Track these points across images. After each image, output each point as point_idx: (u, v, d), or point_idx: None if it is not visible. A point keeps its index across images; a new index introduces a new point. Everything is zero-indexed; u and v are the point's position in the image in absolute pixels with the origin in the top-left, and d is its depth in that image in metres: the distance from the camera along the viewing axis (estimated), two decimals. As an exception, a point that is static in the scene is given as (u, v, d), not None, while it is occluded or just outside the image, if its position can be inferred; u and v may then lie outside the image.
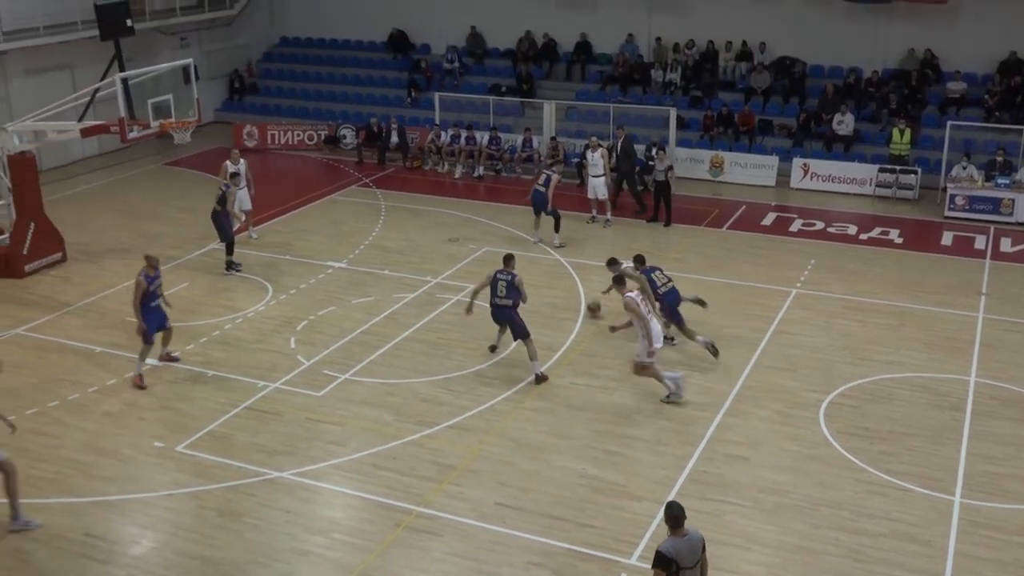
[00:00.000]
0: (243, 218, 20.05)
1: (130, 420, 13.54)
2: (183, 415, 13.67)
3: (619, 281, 14.02)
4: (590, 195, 21.75)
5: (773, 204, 23.46)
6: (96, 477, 12.18)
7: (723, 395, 14.13)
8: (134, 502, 11.55)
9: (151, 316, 14.41)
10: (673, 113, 25.00)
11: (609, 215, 21.77)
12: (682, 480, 12.03)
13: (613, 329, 14.33)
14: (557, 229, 20.39)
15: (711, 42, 27.94)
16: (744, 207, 23.20)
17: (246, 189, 20.06)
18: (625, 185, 22.72)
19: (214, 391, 14.34)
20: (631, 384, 14.40)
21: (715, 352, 15.07)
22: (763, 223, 22.09)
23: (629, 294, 13.68)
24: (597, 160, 21.45)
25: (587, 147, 22.06)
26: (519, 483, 12.00)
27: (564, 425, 13.33)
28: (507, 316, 14.65)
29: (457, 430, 13.22)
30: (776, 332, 16.24)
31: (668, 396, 13.80)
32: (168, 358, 15.18)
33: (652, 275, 15.29)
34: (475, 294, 14.96)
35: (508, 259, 14.95)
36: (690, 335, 15.25)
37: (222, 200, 18.47)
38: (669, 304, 15.22)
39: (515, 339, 14.84)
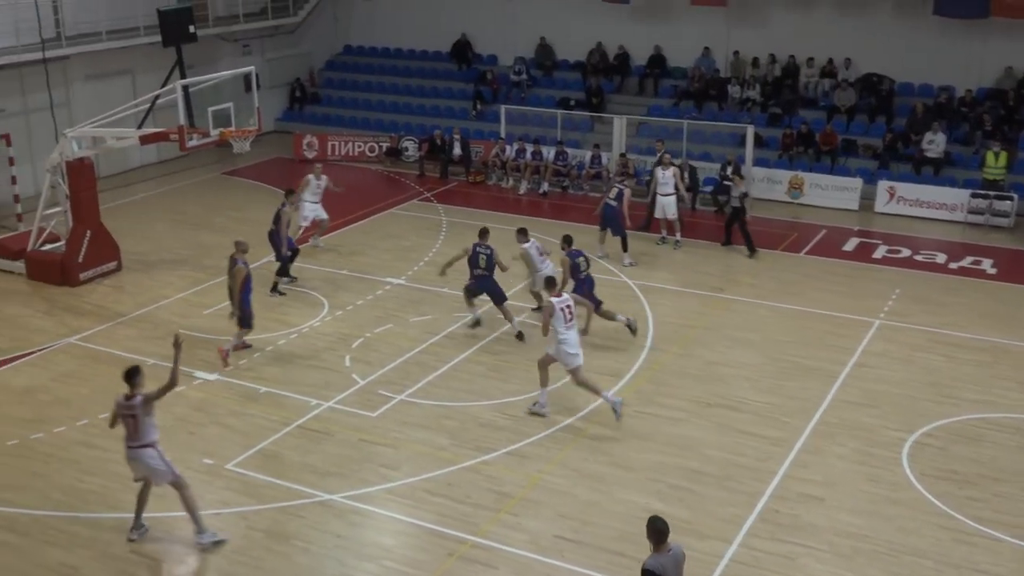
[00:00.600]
0: (299, 232, 20.52)
1: (180, 435, 13.74)
2: (233, 432, 13.84)
3: (550, 283, 14.63)
4: (658, 214, 21.63)
5: (856, 229, 23.11)
6: (144, 493, 12.38)
7: (798, 430, 13.91)
8: (181, 519, 11.69)
9: (248, 300, 15.89)
10: (750, 131, 24.80)
11: (679, 236, 21.61)
12: (752, 519, 11.85)
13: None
14: (625, 248, 20.36)
15: (792, 57, 27.70)
16: (824, 231, 22.89)
17: (320, 204, 20.94)
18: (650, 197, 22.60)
19: (266, 408, 14.51)
20: (701, 415, 14.27)
21: (634, 331, 16.55)
22: (844, 249, 21.77)
23: (553, 299, 13.90)
24: (668, 178, 21.34)
25: (657, 164, 21.95)
26: (579, 515, 11.92)
27: (628, 456, 13.22)
28: (488, 284, 16.77)
29: (515, 457, 13.19)
30: (856, 365, 15.96)
31: (535, 405, 14.22)
32: (243, 346, 16.21)
33: (578, 259, 16.48)
34: (451, 263, 17.16)
35: (484, 233, 17.04)
36: (609, 316, 16.58)
37: (276, 219, 18.73)
38: (588, 288, 16.49)
39: (495, 304, 16.88)
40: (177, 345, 11.15)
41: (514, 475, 12.77)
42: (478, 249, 16.77)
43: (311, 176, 21.06)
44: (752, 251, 20.94)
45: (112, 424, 11.20)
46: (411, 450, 13.39)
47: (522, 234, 17.18)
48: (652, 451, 13.35)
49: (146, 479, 11.28)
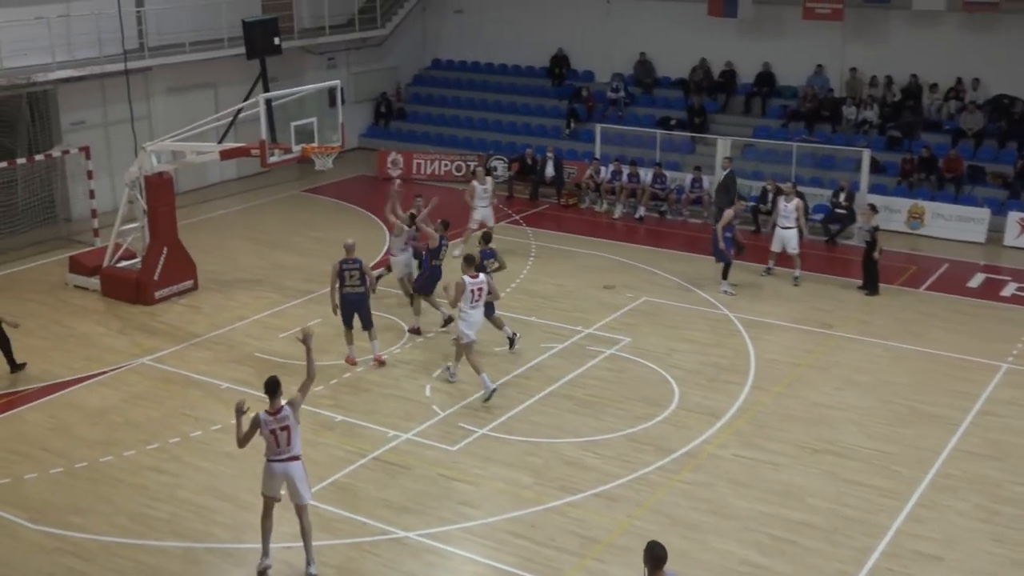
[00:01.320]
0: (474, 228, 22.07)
1: (252, 463, 13.89)
2: (307, 462, 13.79)
3: (468, 261, 15.95)
4: (775, 247, 21.15)
5: (982, 264, 22.55)
6: (213, 522, 12.63)
7: (914, 482, 13.57)
8: (250, 552, 11.88)
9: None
10: (866, 155, 24.40)
11: (799, 271, 21.04)
12: (861, 577, 11.60)
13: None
14: (724, 275, 20.21)
15: (914, 76, 27.21)
16: (947, 265, 22.39)
17: (490, 208, 22.32)
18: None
19: (341, 438, 14.70)
20: (805, 461, 14.02)
21: (512, 343, 17.47)
22: (969, 285, 21.25)
23: (467, 278, 15.58)
24: (791, 211, 20.81)
25: (778, 193, 21.46)
26: (670, 565, 11.69)
27: (725, 503, 13.06)
28: (439, 274, 18.10)
29: (604, 499, 13.13)
30: (980, 413, 15.52)
31: (449, 375, 16.31)
32: (365, 359, 17.13)
33: (487, 261, 17.44)
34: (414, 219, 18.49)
35: (447, 225, 18.28)
36: (498, 324, 17.45)
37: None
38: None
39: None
40: (307, 337, 11.59)
41: (601, 519, 12.70)
42: (443, 241, 18.03)
43: (475, 182, 22.33)
44: (873, 290, 20.47)
45: (244, 443, 11.35)
46: (492, 488, 13.41)
47: (411, 219, 18.51)
48: (751, 498, 13.15)
49: (277, 499, 11.42)
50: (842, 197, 23.82)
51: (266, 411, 11.15)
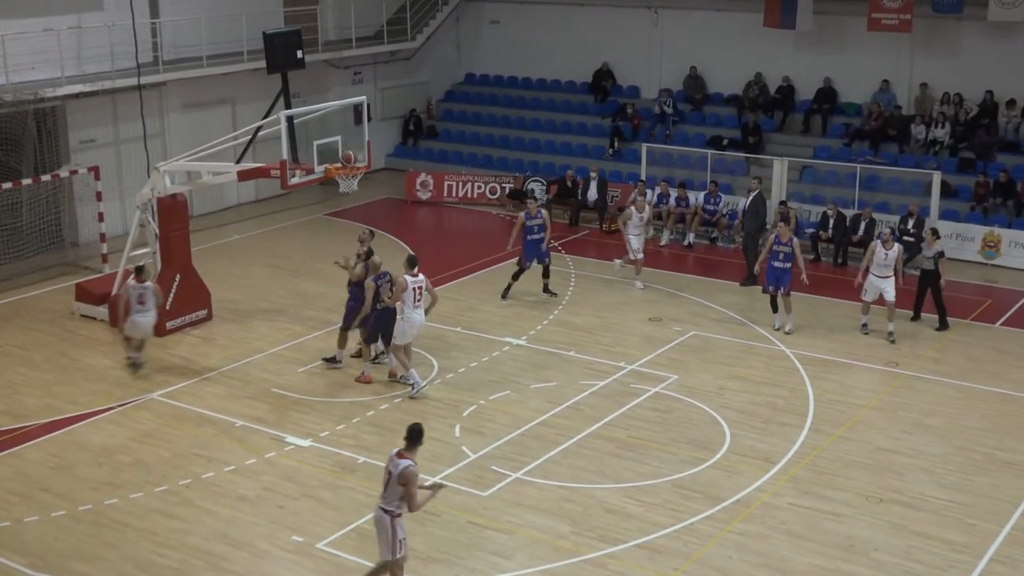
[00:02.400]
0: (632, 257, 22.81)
1: (268, 508, 14.06)
2: (327, 506, 14.08)
3: (412, 262, 17.15)
4: (868, 297, 20.06)
5: (1065, 297, 22.39)
6: (225, 571, 12.68)
7: (989, 536, 13.42)
8: (265, 604, 11.94)
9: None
10: (937, 178, 24.30)
11: (893, 324, 19.84)
12: (931, 640, 11.46)
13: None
14: (774, 308, 20.17)
15: (989, 92, 27.08)
16: (1026, 299, 22.26)
17: (641, 236, 22.90)
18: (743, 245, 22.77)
19: (364, 481, 14.72)
20: (869, 511, 13.90)
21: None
22: (1051, 320, 21.11)
23: (407, 277, 16.84)
24: (891, 259, 19.70)
25: (879, 239, 20.14)
26: (721, 624, 11.71)
27: (781, 556, 12.97)
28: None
29: (647, 551, 13.07)
30: (1064, 460, 15.37)
31: (412, 390, 17.09)
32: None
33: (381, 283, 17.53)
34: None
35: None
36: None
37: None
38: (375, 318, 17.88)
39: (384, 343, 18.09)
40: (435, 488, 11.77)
41: (645, 572, 12.64)
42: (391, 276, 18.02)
43: (633, 209, 22.78)
44: (943, 324, 20.29)
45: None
46: (526, 537, 13.39)
47: (138, 272, 18.19)
48: (810, 552, 13.06)
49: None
50: (911, 224, 23.68)
51: (397, 450, 11.33)
